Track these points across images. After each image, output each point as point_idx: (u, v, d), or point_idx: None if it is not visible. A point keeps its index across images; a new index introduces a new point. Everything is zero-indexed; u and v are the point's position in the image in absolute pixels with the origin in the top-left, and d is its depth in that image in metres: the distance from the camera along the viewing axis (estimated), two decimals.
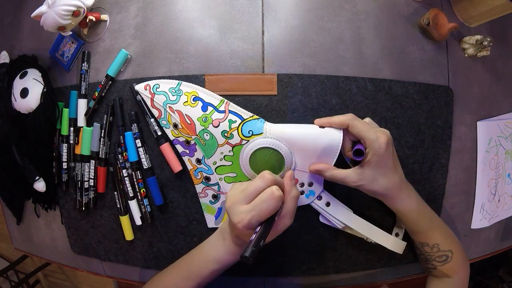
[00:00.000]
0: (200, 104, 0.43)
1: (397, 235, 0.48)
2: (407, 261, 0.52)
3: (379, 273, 0.53)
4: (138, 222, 0.49)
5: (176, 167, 0.46)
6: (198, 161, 0.45)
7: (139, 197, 0.48)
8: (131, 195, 0.49)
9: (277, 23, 0.46)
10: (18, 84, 0.49)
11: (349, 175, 0.40)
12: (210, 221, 0.48)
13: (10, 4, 0.58)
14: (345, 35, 0.46)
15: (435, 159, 0.49)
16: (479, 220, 0.54)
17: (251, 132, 0.42)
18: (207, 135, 0.43)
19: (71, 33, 0.46)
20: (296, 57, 0.46)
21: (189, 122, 0.43)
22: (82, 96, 0.49)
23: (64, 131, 0.50)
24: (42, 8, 0.42)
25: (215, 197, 0.47)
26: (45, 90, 0.48)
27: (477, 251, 0.57)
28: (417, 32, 0.49)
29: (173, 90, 0.43)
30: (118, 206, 0.50)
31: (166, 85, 0.44)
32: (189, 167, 0.46)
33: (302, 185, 0.45)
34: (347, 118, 0.40)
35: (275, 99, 0.45)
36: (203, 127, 0.43)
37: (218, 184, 0.46)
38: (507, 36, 0.55)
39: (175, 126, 0.44)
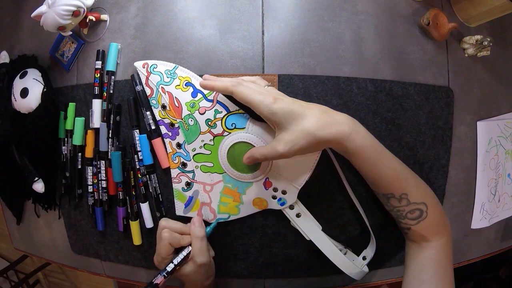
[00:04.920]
0: (191, 89, 0.44)
1: (364, 258, 0.48)
2: None
3: (379, 273, 0.53)
4: (150, 225, 0.49)
5: (165, 163, 0.47)
6: (178, 145, 0.46)
7: (156, 200, 0.48)
8: (143, 198, 0.49)
9: (277, 23, 0.46)
10: (18, 84, 0.49)
11: (275, 146, 0.37)
12: (179, 209, 0.48)
13: (10, 4, 0.58)
14: (345, 35, 0.46)
15: (435, 160, 0.49)
16: (479, 220, 0.54)
17: (234, 125, 0.43)
18: (191, 120, 0.44)
19: (71, 33, 0.46)
20: (296, 57, 0.46)
21: (177, 105, 0.44)
22: (96, 96, 0.48)
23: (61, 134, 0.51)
24: (42, 8, 0.41)
25: (188, 184, 0.47)
26: (45, 90, 0.48)
27: (477, 251, 0.57)
28: (417, 32, 0.49)
29: (169, 72, 0.44)
30: (129, 211, 0.49)
31: (163, 66, 0.45)
32: (169, 150, 0.46)
33: (276, 190, 0.45)
34: (230, 84, 0.37)
35: None
36: (189, 112, 0.44)
37: (194, 172, 0.46)
38: (507, 36, 0.55)
39: (163, 107, 0.45)
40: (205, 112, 0.43)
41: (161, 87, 0.44)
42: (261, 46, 0.46)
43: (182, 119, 0.44)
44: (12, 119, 0.49)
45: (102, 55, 0.48)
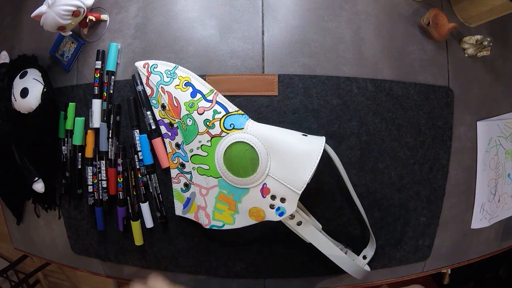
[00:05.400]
0: (190, 89, 0.44)
1: (364, 257, 0.48)
2: (407, 262, 0.52)
3: (379, 273, 0.53)
4: (150, 225, 0.49)
5: (165, 163, 0.47)
6: (177, 145, 0.46)
7: (156, 200, 0.48)
8: (143, 198, 0.49)
9: (277, 23, 0.46)
10: (18, 84, 0.49)
11: None
12: (178, 209, 0.48)
13: (10, 4, 0.57)
14: (345, 35, 0.46)
15: (435, 160, 0.49)
16: (479, 220, 0.54)
17: (232, 126, 0.43)
18: (189, 120, 0.44)
19: (71, 33, 0.46)
20: (296, 57, 0.46)
21: (176, 105, 0.44)
22: (96, 96, 0.48)
23: (61, 134, 0.51)
24: (42, 8, 0.41)
25: (186, 185, 0.47)
26: (45, 90, 0.48)
27: (477, 251, 0.57)
28: (417, 32, 0.49)
29: (169, 72, 0.45)
30: (130, 211, 0.49)
31: (163, 66, 0.45)
32: (169, 150, 0.46)
33: (274, 197, 0.42)
34: None
35: (276, 99, 0.45)
36: (187, 112, 0.44)
37: (191, 173, 0.46)
38: (507, 36, 0.55)
39: (163, 107, 0.45)
40: (203, 112, 0.43)
41: (161, 87, 0.44)
42: (261, 46, 0.46)
43: (180, 119, 0.44)
44: (12, 119, 0.49)
45: (102, 55, 0.48)
